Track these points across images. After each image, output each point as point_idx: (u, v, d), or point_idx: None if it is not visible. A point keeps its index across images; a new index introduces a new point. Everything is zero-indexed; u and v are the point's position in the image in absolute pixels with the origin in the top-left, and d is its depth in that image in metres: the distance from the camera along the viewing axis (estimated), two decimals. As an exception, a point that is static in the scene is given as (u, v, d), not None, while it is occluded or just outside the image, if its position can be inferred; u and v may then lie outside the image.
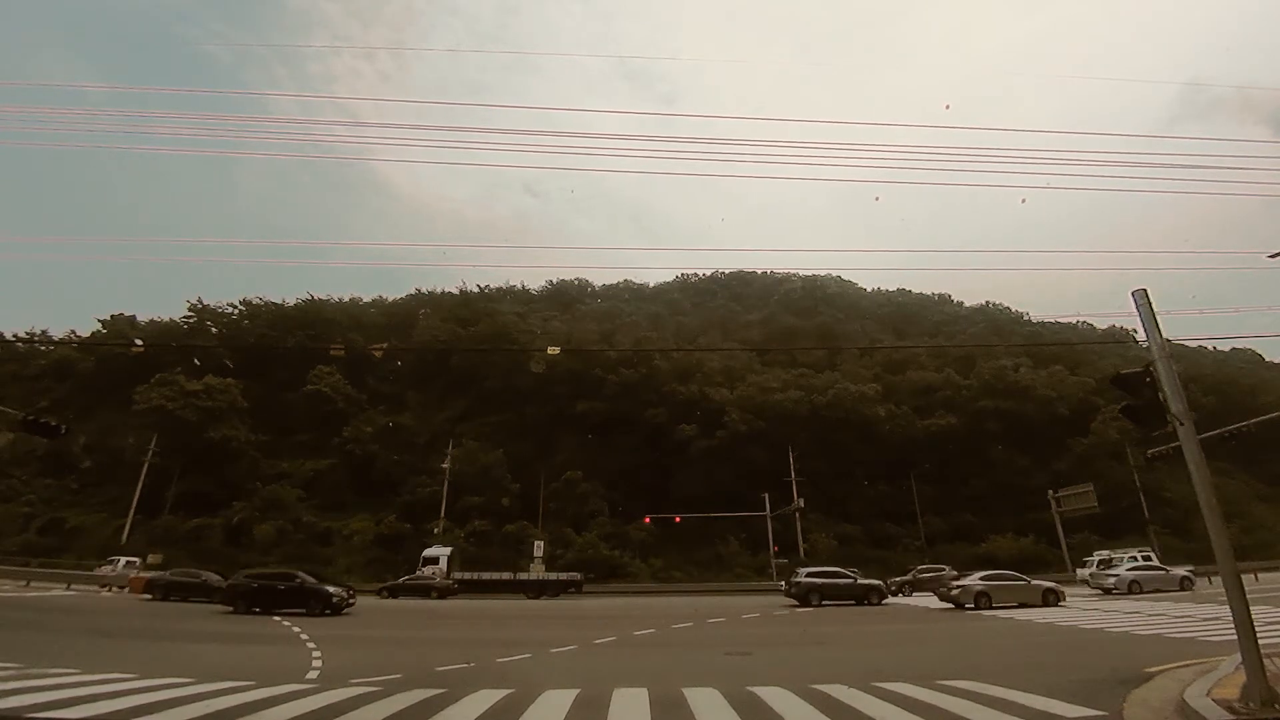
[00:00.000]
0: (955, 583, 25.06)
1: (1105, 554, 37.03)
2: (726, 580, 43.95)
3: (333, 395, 59.36)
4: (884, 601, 26.50)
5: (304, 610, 21.41)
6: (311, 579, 23.41)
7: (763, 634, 17.36)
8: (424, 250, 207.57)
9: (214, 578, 27.54)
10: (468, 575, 37.74)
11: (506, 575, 38.01)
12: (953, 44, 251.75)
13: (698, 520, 48.06)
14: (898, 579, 35.54)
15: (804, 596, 25.83)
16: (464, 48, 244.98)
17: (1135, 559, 35.22)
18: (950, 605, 23.61)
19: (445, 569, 37.95)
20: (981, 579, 24.38)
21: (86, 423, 53.47)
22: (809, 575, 26.91)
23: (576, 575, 37.98)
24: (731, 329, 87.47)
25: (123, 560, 36.14)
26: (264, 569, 26.76)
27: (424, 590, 33.71)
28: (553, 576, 37.88)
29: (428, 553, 39.67)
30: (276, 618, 20.07)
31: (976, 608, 22.56)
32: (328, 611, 21.53)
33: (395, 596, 33.22)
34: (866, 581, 27.27)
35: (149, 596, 27.36)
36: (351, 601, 23.21)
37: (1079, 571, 36.30)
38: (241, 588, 22.76)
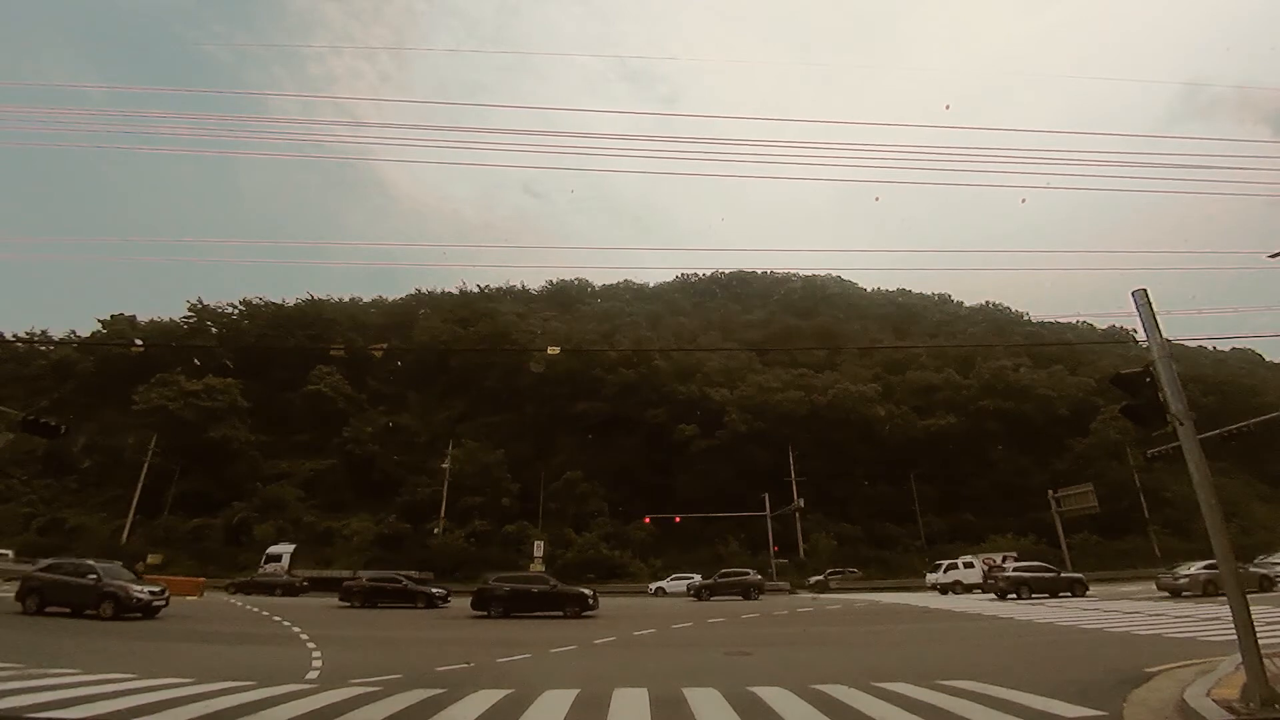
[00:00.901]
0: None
1: (968, 558, 37.19)
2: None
3: (333, 395, 59.41)
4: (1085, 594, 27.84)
5: (412, 606, 25.72)
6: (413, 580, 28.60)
7: (763, 634, 17.34)
8: (424, 250, 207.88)
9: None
10: (314, 574, 38.20)
11: (389, 577, 28.69)
12: (953, 44, 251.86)
13: (698, 520, 48.07)
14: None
15: (1014, 589, 26.95)
16: (464, 48, 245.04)
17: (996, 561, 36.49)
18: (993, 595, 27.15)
19: (287, 566, 38.40)
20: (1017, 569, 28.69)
21: (86, 423, 53.44)
22: (1016, 569, 28.71)
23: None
24: (731, 329, 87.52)
25: None
26: (377, 571, 31.75)
27: (268, 588, 34.74)
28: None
29: (271, 550, 40.02)
30: (277, 617, 20.10)
31: (1018, 596, 26.39)
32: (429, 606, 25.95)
33: (248, 594, 34.22)
34: (1070, 575, 29.00)
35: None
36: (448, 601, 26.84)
37: (929, 576, 36.76)
38: (357, 588, 26.90)
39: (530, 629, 18.51)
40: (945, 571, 35.78)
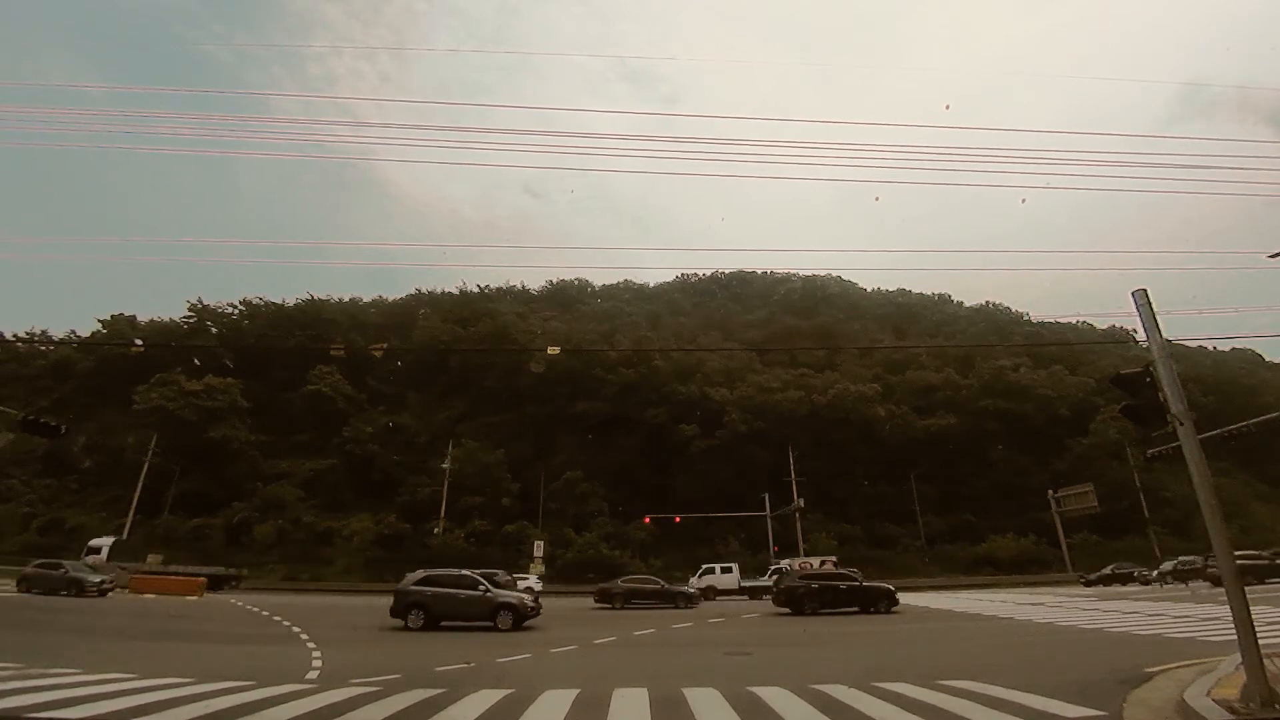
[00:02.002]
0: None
1: (786, 563, 37.21)
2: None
3: (333, 395, 59.40)
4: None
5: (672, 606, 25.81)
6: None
7: (763, 634, 17.36)
8: (424, 250, 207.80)
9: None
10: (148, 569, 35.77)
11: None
12: (953, 44, 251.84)
13: (698, 520, 48.07)
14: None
15: (795, 602, 22.83)
16: (464, 48, 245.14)
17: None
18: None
19: (106, 559, 35.87)
20: None
21: (86, 423, 53.44)
22: (803, 579, 25.31)
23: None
24: (731, 329, 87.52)
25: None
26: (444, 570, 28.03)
27: (54, 585, 32.69)
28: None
29: (92, 543, 37.91)
30: (277, 618, 20.10)
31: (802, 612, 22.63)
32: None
33: (27, 591, 33.41)
34: (875, 585, 26.73)
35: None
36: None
37: (691, 580, 34.40)
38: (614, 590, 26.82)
39: (530, 628, 18.49)
40: (700, 576, 34.74)
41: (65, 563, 27.79)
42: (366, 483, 53.82)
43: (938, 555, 49.08)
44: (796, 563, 36.38)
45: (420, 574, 18.28)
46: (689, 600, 26.54)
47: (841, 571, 26.36)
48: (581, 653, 12.94)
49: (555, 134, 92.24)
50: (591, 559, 44.26)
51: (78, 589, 25.97)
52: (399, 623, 17.06)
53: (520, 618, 17.16)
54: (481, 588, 17.47)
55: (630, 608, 25.79)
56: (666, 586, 27.65)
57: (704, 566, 36.46)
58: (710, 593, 33.20)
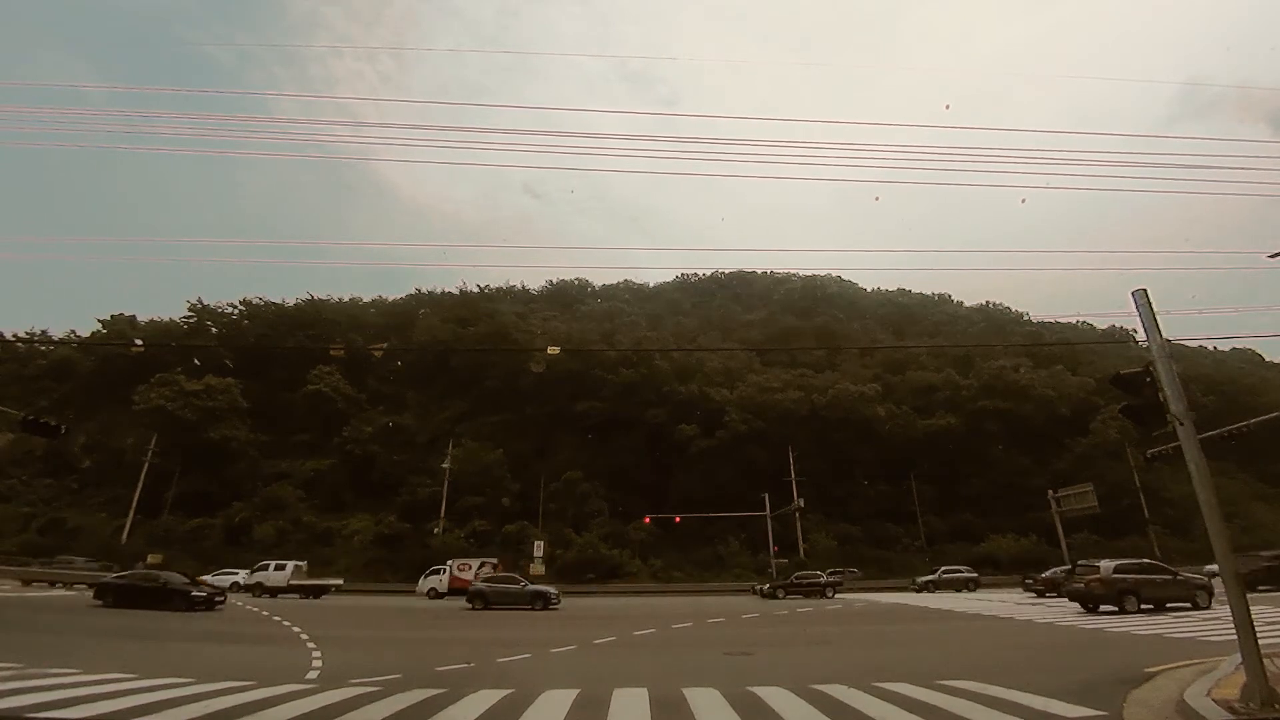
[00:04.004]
0: None
1: (438, 566, 37.38)
2: (726, 580, 44.02)
3: (333, 395, 59.38)
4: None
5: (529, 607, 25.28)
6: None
7: (763, 634, 17.35)
8: (424, 250, 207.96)
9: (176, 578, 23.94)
10: None
11: None
12: (953, 44, 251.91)
13: (697, 520, 48.06)
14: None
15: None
16: (464, 49, 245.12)
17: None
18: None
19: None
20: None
21: (86, 423, 53.49)
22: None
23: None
24: (731, 329, 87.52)
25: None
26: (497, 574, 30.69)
27: None
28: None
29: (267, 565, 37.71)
30: (277, 617, 20.09)
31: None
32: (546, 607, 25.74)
33: None
34: (535, 589, 26.50)
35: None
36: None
37: (421, 582, 36.05)
38: (474, 591, 26.38)
39: (531, 629, 18.52)
40: (253, 573, 34.92)
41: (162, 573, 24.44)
42: (366, 483, 53.80)
43: (938, 555, 49.02)
44: (462, 564, 36.79)
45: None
46: (546, 602, 25.53)
47: (509, 575, 28.60)
48: (581, 653, 12.93)
49: (555, 134, 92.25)
50: (591, 559, 44.25)
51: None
52: (398, 622, 17.06)
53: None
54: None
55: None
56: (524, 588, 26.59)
57: (259, 563, 35.89)
58: (258, 590, 33.26)
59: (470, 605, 25.71)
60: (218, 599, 23.40)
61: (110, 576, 25.20)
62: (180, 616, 20.30)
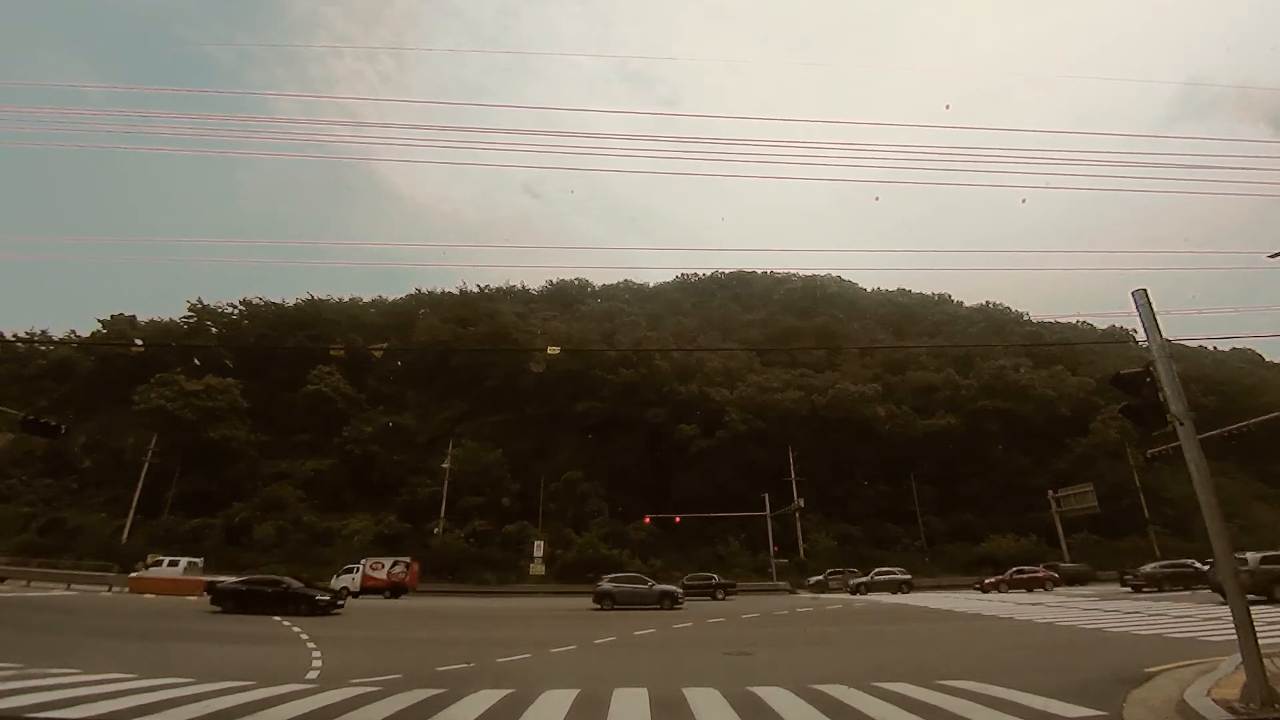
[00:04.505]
0: None
1: (352, 566, 37.03)
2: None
3: (333, 395, 59.35)
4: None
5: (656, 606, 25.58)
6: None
7: (763, 634, 17.34)
8: (424, 250, 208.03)
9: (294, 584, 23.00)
10: None
11: None
12: (953, 44, 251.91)
13: (698, 520, 48.05)
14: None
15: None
16: (464, 49, 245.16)
17: None
18: None
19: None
20: None
21: (86, 423, 53.47)
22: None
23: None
24: (731, 329, 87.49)
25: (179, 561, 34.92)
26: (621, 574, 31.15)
27: None
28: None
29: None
30: (277, 618, 20.10)
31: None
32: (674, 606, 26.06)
33: None
34: (299, 590, 23.29)
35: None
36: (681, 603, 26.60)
37: (334, 579, 34.91)
38: (600, 591, 26.64)
39: (531, 629, 18.54)
40: (340, 576, 35.43)
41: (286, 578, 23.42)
42: (366, 483, 53.78)
43: (938, 555, 49.04)
44: (369, 563, 36.70)
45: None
46: (674, 601, 26.41)
47: (268, 578, 24.64)
48: (581, 652, 12.93)
49: (555, 134, 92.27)
50: (591, 559, 44.21)
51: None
52: (398, 622, 17.02)
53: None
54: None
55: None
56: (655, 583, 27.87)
57: (153, 559, 35.96)
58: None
59: (599, 606, 25.90)
60: (339, 602, 23.09)
61: (230, 581, 24.07)
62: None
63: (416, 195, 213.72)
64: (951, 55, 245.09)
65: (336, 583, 35.40)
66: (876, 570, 38.29)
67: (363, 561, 36.83)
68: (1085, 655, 11.67)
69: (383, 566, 36.00)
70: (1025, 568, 37.56)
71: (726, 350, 66.53)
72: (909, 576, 37.87)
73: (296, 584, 22.81)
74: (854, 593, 36.14)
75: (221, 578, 28.19)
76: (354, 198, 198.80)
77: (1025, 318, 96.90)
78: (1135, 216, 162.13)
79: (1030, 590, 34.42)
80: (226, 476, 51.25)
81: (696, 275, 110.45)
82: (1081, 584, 38.42)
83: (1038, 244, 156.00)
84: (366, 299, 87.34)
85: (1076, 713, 6.94)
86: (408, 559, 37.40)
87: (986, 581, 36.53)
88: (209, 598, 23.11)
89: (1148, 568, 31.10)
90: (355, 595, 34.41)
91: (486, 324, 69.73)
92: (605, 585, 27.20)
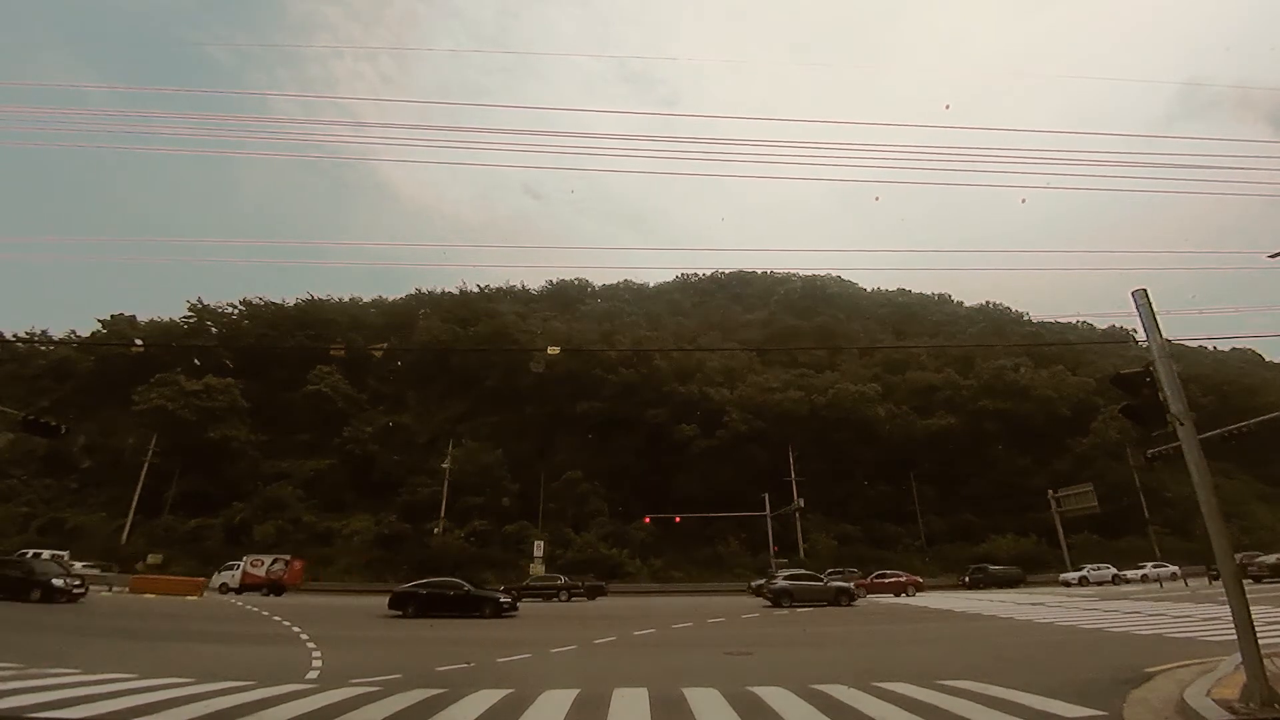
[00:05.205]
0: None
1: (235, 562, 37.93)
2: (726, 580, 44.00)
3: (333, 395, 59.36)
4: None
5: None
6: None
7: (763, 634, 17.35)
8: (424, 250, 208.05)
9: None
10: None
11: None
12: (953, 44, 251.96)
13: (698, 520, 48.04)
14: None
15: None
16: (465, 49, 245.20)
17: None
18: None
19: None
20: None
21: (86, 423, 53.42)
22: None
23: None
24: (731, 329, 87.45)
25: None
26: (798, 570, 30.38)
27: None
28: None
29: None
30: (277, 617, 20.10)
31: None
32: None
33: None
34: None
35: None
36: None
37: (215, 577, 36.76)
38: (780, 588, 26.23)
39: (531, 629, 18.53)
40: (221, 573, 36.67)
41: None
42: (366, 483, 53.78)
43: (938, 555, 49.03)
44: (251, 560, 37.57)
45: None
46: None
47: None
48: (581, 653, 12.93)
49: (555, 134, 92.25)
50: (591, 559, 44.25)
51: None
52: (397, 622, 17.01)
53: None
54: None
55: None
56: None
57: (253, 560, 37.40)
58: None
59: (774, 604, 25.79)
60: (517, 605, 23.71)
61: (408, 585, 23.42)
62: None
63: (416, 195, 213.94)
64: (951, 55, 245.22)
65: (217, 579, 36.37)
66: (829, 571, 37.46)
67: (244, 559, 37.44)
68: (1085, 655, 11.67)
69: (262, 564, 36.65)
70: (887, 572, 38.39)
71: (726, 350, 66.51)
72: (856, 575, 37.55)
73: (473, 587, 22.90)
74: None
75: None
76: (354, 198, 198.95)
77: (1025, 318, 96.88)
78: (1135, 216, 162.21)
79: (896, 595, 35.38)
80: (226, 476, 51.25)
81: (696, 275, 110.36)
82: (1011, 586, 39.48)
83: (1038, 244, 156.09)
84: (366, 299, 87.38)
85: (1076, 713, 6.94)
86: (288, 556, 38.01)
87: (849, 585, 36.02)
88: (387, 602, 22.34)
89: (1273, 558, 33.44)
90: (237, 592, 35.02)
91: (486, 324, 69.72)
92: (783, 583, 27.17)
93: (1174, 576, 38.63)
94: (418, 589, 22.46)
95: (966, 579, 40.87)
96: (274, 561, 36.67)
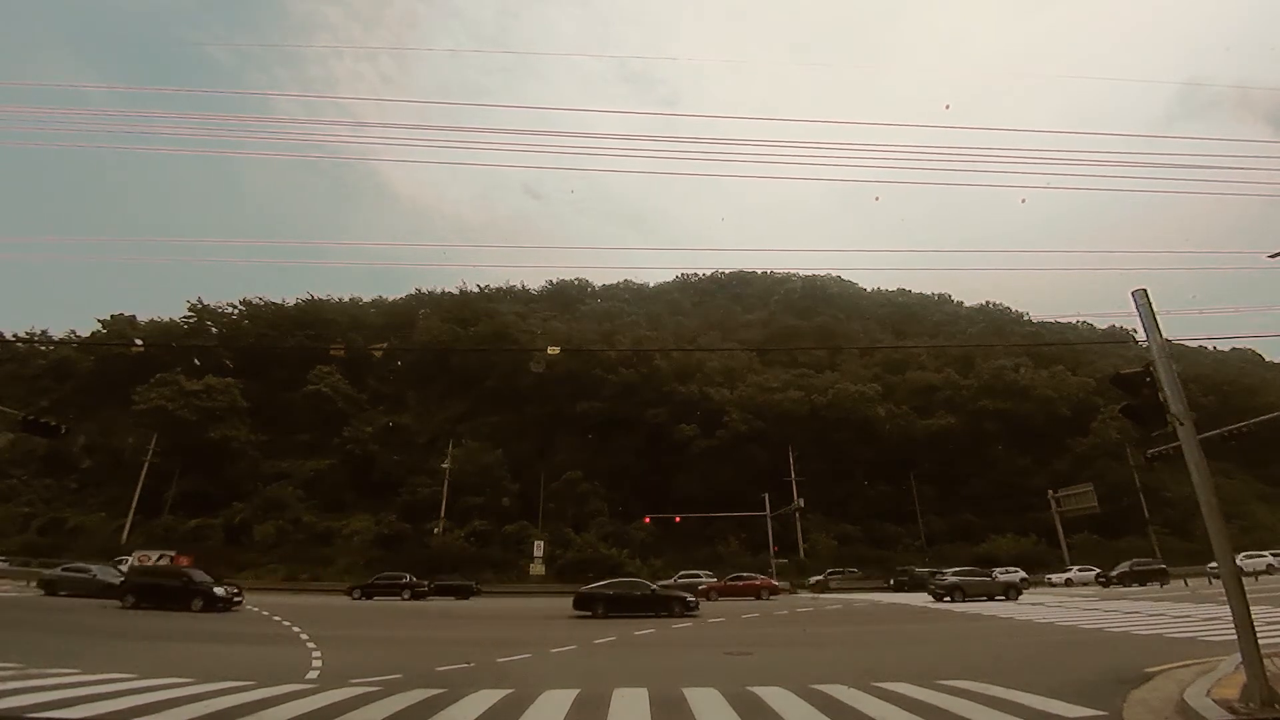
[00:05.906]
0: None
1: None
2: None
3: (333, 395, 59.36)
4: None
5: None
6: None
7: (763, 634, 17.34)
8: (424, 250, 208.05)
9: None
10: None
11: None
12: (953, 45, 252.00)
13: (698, 520, 48.03)
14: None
15: None
16: (465, 49, 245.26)
17: None
18: None
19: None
20: None
21: (86, 423, 53.41)
22: None
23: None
24: (731, 329, 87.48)
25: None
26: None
27: None
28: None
29: None
30: (277, 617, 20.11)
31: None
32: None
33: None
34: None
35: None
36: None
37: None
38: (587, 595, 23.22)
39: (531, 629, 18.53)
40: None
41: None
42: (366, 483, 53.77)
43: (938, 555, 49.02)
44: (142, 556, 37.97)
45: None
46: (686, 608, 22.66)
47: None
48: (582, 652, 12.93)
49: (555, 134, 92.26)
50: (591, 559, 44.19)
51: None
52: (398, 622, 17.02)
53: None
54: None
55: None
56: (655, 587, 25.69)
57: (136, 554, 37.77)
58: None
59: (945, 598, 26.45)
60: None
61: (594, 586, 23.38)
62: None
63: (416, 195, 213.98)
64: (951, 55, 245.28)
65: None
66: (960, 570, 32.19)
67: (134, 554, 37.90)
68: (1085, 655, 11.66)
69: (149, 559, 37.05)
70: (743, 575, 35.88)
71: (726, 350, 66.53)
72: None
73: (658, 587, 23.10)
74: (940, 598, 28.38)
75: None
76: (354, 198, 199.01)
77: (1025, 318, 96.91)
78: (1135, 216, 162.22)
79: (752, 599, 32.21)
80: (226, 476, 51.24)
81: (696, 275, 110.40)
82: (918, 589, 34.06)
83: (1038, 244, 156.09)
84: (366, 299, 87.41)
85: (1076, 713, 6.94)
86: (173, 553, 38.45)
87: (698, 589, 32.10)
88: (572, 602, 22.49)
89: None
90: None
91: (486, 324, 69.72)
92: (951, 579, 27.67)
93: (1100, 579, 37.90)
94: (604, 589, 22.51)
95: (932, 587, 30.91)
96: (160, 556, 37.30)
